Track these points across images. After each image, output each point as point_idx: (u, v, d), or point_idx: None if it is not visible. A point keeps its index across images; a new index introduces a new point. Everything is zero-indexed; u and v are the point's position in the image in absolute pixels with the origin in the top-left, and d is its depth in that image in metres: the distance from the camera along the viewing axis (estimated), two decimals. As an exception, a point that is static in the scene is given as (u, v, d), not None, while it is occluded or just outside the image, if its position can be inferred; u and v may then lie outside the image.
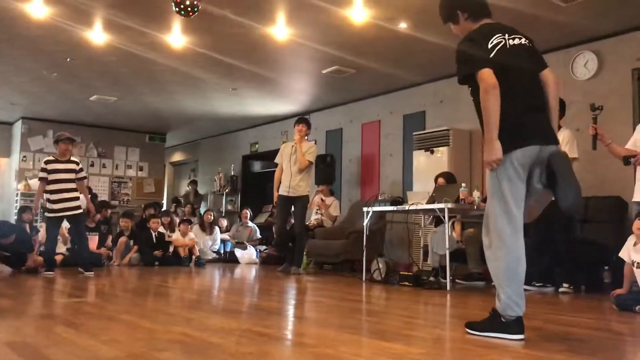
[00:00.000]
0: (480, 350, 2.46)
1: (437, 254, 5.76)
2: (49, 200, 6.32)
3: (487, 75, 2.70)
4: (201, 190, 13.13)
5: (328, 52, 7.08)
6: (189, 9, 4.91)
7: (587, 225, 6.02)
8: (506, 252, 2.72)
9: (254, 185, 12.09)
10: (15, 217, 9.41)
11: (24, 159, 11.45)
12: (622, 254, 4.12)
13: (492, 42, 2.81)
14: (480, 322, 2.83)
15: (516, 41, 2.87)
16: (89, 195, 7.44)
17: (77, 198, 6.37)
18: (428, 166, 7.58)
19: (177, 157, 14.79)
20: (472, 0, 3.06)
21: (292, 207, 7.13)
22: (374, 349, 2.48)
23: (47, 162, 6.42)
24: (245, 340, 2.54)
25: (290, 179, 7.00)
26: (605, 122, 5.67)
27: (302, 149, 7.01)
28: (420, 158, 7.80)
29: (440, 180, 6.58)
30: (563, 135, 5.35)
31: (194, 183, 13.07)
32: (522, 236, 2.76)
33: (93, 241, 7.79)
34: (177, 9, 4.92)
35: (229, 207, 12.25)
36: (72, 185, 6.36)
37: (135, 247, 8.12)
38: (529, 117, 2.76)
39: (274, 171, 7.44)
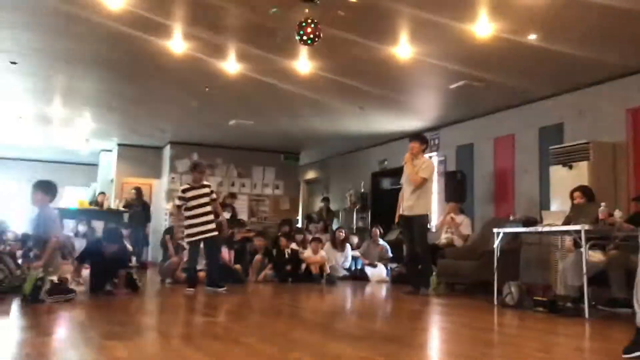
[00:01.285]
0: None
1: (572, 286, 5.31)
2: (188, 226, 6.68)
3: None
4: (333, 207, 13.37)
5: (453, 68, 6.92)
6: (312, 37, 5.06)
7: None
8: None
9: (384, 202, 12.07)
10: (161, 237, 10.14)
11: (173, 180, 12.44)
12: None
13: None
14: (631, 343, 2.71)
15: None
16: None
17: (212, 221, 6.73)
18: (566, 182, 7.08)
19: (310, 175, 15.22)
20: None
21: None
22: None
23: (184, 191, 6.80)
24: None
25: (407, 199, 6.89)
26: None
27: (416, 166, 6.86)
28: (557, 173, 7.33)
29: (577, 194, 6.11)
30: None
31: (326, 200, 13.35)
32: None
33: (229, 255, 8.25)
34: (299, 39, 5.09)
35: (360, 224, 12.35)
36: (208, 209, 6.73)
37: (270, 265, 8.46)
38: None
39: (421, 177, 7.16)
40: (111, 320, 4.13)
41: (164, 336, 3.61)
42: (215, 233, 6.73)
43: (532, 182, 8.25)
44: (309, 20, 5.02)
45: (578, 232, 5.02)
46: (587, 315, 4.88)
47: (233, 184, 12.88)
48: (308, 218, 13.08)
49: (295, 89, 7.98)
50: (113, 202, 12.05)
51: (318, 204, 14.28)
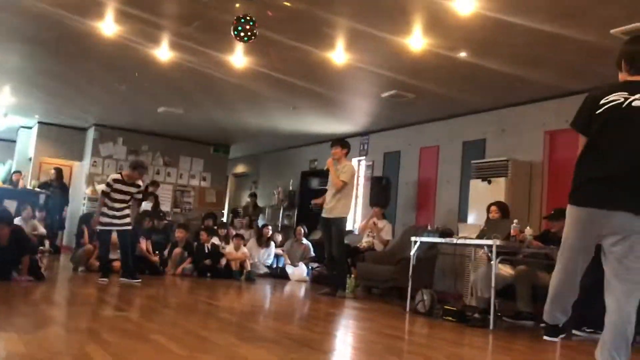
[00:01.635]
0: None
1: (481, 297, 5.55)
2: (103, 214, 6.69)
3: None
4: (260, 203, 13.33)
5: (386, 77, 7.06)
6: (249, 35, 5.02)
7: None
8: None
9: (311, 201, 12.14)
10: (77, 223, 9.80)
11: (94, 164, 12.00)
12: None
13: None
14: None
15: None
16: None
17: (127, 216, 6.77)
18: (485, 196, 7.38)
19: (240, 169, 15.10)
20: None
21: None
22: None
23: (114, 181, 6.81)
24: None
25: (328, 202, 7.05)
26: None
27: (338, 170, 7.00)
28: (477, 187, 7.62)
29: (493, 208, 6.39)
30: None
31: (253, 196, 13.29)
32: None
33: (146, 245, 8.06)
34: (236, 34, 5.04)
35: (286, 222, 12.38)
36: (127, 205, 6.81)
37: (189, 259, 8.33)
38: None
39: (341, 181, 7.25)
40: (10, 310, 3.94)
41: (67, 330, 3.48)
42: (128, 227, 6.75)
43: (453, 193, 8.53)
44: (248, 18, 4.98)
45: (490, 246, 5.23)
46: (492, 326, 5.09)
47: (158, 172, 12.58)
48: (234, 212, 12.98)
49: (229, 82, 7.88)
50: (29, 182, 11.51)
51: (245, 199, 14.19)
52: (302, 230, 10.12)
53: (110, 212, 6.64)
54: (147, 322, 3.94)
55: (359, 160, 10.79)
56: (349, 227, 10.70)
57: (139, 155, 12.10)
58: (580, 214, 2.88)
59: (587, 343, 4.88)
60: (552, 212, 6.12)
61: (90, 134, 12.28)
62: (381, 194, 9.18)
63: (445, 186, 8.73)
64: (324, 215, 7.11)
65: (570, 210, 2.95)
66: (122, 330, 3.49)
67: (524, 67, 6.29)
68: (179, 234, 8.64)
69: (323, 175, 11.77)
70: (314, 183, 12.22)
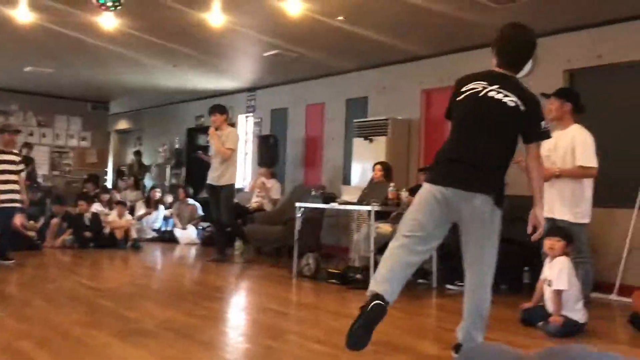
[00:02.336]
0: None
1: (364, 256, 5.79)
2: None
3: None
4: (146, 161, 12.87)
5: (266, 39, 6.93)
6: (115, 4, 4.69)
7: (512, 225, 6.15)
8: None
9: (200, 159, 11.87)
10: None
11: (-44, 127, 10.96)
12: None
13: None
14: None
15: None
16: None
17: (19, 192, 6.28)
18: (366, 154, 7.59)
19: (122, 125, 14.40)
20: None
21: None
22: None
23: None
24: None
25: (215, 169, 6.93)
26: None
27: (221, 138, 6.82)
28: (359, 145, 7.80)
29: (377, 167, 6.57)
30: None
31: (138, 154, 12.79)
32: None
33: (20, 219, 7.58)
34: (102, 4, 4.69)
35: (174, 181, 12.08)
36: (15, 177, 6.27)
37: (69, 230, 7.96)
38: None
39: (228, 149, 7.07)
40: None
41: None
42: (16, 205, 6.27)
43: (338, 151, 8.69)
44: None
45: (369, 211, 5.42)
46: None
47: (32, 134, 11.73)
48: (118, 172, 12.47)
49: (99, 43, 7.40)
50: None
51: (130, 157, 13.65)
52: (184, 191, 9.87)
53: (5, 187, 6.08)
54: (15, 322, 3.74)
55: (247, 117, 10.65)
56: (238, 184, 10.66)
57: (9, 117, 11.20)
58: (434, 191, 2.93)
59: (460, 296, 5.27)
60: (427, 165, 6.46)
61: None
62: (269, 152, 9.17)
63: (331, 144, 8.86)
64: (211, 182, 6.98)
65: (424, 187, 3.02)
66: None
67: (396, 31, 6.40)
68: (55, 209, 8.20)
69: (210, 132, 11.55)
70: (202, 140, 11.94)
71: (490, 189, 2.88)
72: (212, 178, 6.95)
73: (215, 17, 6.20)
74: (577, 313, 3.91)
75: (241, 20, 6.27)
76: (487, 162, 2.91)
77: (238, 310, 4.65)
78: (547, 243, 4.06)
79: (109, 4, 4.67)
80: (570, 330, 3.84)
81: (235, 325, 4.04)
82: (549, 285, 3.97)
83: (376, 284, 2.82)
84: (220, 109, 7.06)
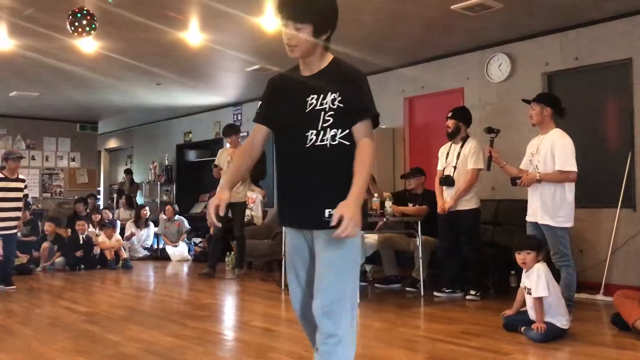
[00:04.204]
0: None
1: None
2: None
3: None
4: (137, 179, 12.89)
5: (247, 55, 6.99)
6: (89, 28, 4.72)
7: (498, 229, 6.20)
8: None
9: (189, 174, 11.93)
10: None
11: (-55, 154, 10.96)
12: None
13: None
14: None
15: None
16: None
17: (17, 218, 6.37)
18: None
19: (112, 143, 14.43)
20: None
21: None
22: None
23: None
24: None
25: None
26: (519, 123, 5.82)
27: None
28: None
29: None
30: (469, 147, 5.47)
31: (129, 172, 12.82)
32: None
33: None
34: (73, 30, 4.72)
35: (165, 198, 12.09)
36: (21, 204, 6.40)
37: (58, 253, 7.97)
38: None
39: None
40: None
41: None
42: (15, 231, 6.41)
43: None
44: (84, 12, 4.67)
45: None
46: (359, 298, 5.32)
47: (21, 157, 11.69)
48: (118, 193, 12.48)
49: (81, 67, 7.44)
50: None
51: (121, 175, 13.67)
52: (171, 208, 9.87)
53: (4, 215, 6.18)
54: (4, 343, 3.75)
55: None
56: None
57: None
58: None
59: (447, 303, 5.30)
60: (408, 171, 6.50)
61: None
62: (256, 165, 9.13)
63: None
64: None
65: None
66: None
67: (376, 38, 6.44)
68: (47, 227, 8.21)
69: (199, 147, 11.61)
70: (191, 155, 11.98)
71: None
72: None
73: (193, 37, 6.25)
74: (561, 318, 3.92)
75: (219, 38, 6.32)
76: None
77: (223, 329, 4.65)
78: (519, 258, 4.08)
79: (80, 30, 4.68)
80: (553, 336, 3.86)
81: (219, 345, 4.05)
82: (529, 293, 3.98)
83: None
84: (236, 130, 7.45)
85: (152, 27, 5.94)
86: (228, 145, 7.53)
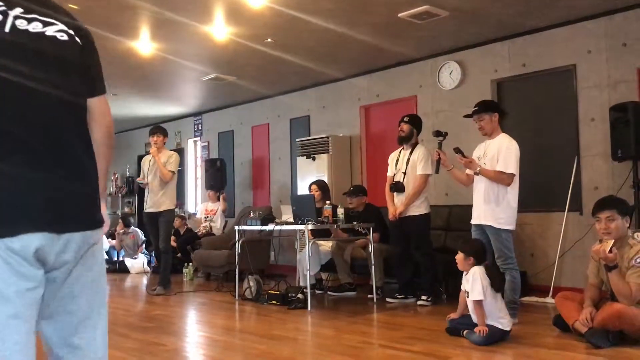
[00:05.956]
0: None
1: (308, 275, 5.75)
2: None
3: None
4: (98, 191, 12.68)
5: (200, 64, 6.96)
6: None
7: (450, 234, 6.24)
8: None
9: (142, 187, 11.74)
10: None
11: None
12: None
13: None
14: None
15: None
16: None
17: None
18: (310, 172, 7.63)
19: (74, 155, 14.19)
20: None
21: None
22: None
23: None
24: None
25: (154, 195, 6.66)
26: (464, 129, 5.88)
27: (162, 160, 6.63)
28: (303, 164, 7.83)
29: (313, 187, 6.63)
30: (418, 153, 5.51)
31: (90, 185, 12.61)
32: None
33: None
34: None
35: (127, 209, 11.93)
36: None
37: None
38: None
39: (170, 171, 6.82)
40: None
41: None
42: None
43: (285, 171, 8.70)
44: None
45: (303, 231, 5.42)
46: (309, 308, 5.30)
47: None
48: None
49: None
50: None
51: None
52: (122, 222, 9.70)
53: None
54: None
55: (195, 141, 10.62)
56: (191, 209, 10.59)
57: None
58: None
59: (399, 309, 5.30)
60: (351, 188, 6.50)
61: None
62: (216, 176, 9.11)
63: (278, 164, 8.87)
64: (150, 210, 6.71)
65: None
66: None
67: (329, 47, 6.47)
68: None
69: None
70: (152, 167, 11.83)
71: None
72: (152, 205, 6.69)
73: (143, 46, 6.20)
74: (502, 321, 3.95)
75: (170, 47, 6.28)
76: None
77: (168, 339, 4.57)
78: (456, 257, 4.15)
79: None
80: (495, 338, 3.88)
81: (158, 356, 3.98)
82: (468, 296, 4.01)
83: None
84: (162, 130, 6.90)
85: (101, 35, 5.87)
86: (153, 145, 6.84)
